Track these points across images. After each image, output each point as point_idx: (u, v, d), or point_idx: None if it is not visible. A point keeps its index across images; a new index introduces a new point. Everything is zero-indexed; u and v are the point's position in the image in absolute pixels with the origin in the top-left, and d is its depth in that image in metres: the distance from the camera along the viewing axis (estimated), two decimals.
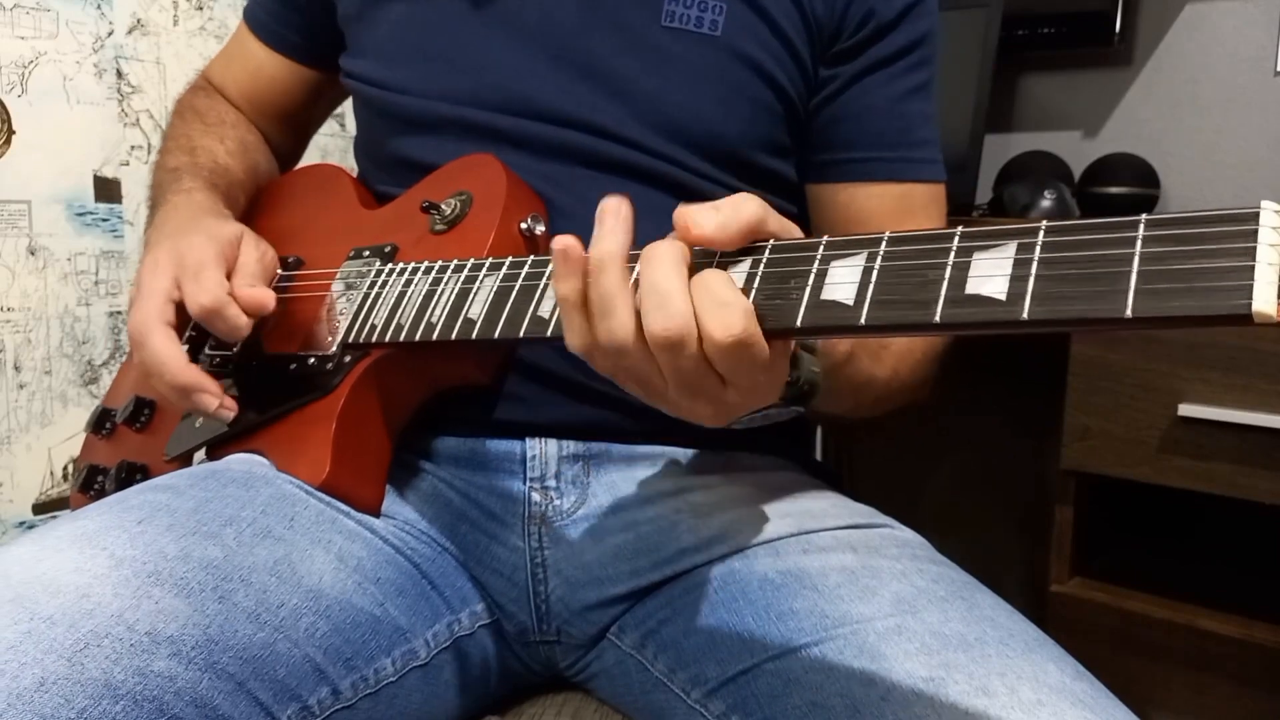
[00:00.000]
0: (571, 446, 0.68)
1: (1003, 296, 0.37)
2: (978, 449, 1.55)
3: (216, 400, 0.65)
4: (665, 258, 0.44)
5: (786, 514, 0.66)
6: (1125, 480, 1.02)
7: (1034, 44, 1.38)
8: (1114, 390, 1.01)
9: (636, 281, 0.45)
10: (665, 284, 0.43)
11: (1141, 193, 1.30)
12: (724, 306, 0.42)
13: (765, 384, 0.46)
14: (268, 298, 0.66)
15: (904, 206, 0.74)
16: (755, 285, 0.45)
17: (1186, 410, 0.96)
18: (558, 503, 0.67)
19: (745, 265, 0.46)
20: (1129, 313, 0.34)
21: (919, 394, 0.73)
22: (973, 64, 1.29)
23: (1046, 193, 1.21)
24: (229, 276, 0.66)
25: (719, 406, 0.47)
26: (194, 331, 0.69)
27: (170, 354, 0.64)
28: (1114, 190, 1.29)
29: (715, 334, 0.42)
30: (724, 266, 0.46)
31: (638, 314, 0.45)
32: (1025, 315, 0.37)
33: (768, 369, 0.45)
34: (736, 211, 0.46)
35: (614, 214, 0.47)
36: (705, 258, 0.47)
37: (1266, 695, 0.98)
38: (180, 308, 0.65)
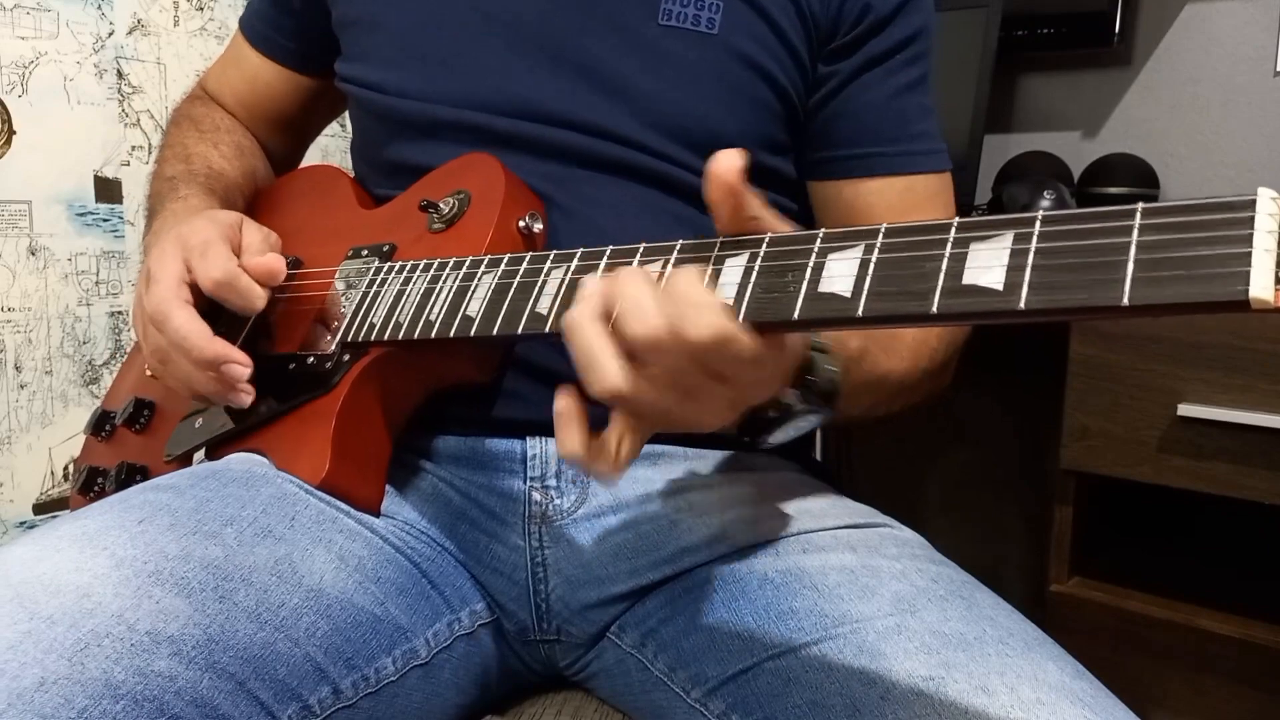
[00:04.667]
0: None
1: (1000, 286, 0.37)
2: (977, 449, 1.55)
3: (247, 369, 0.64)
4: (632, 271, 0.45)
5: (786, 513, 0.66)
6: (1125, 480, 1.02)
7: (1034, 44, 1.38)
8: (1114, 390, 1.01)
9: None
10: (635, 291, 0.44)
11: (1141, 193, 1.30)
12: (695, 307, 0.43)
13: (763, 378, 0.46)
14: (278, 264, 0.67)
15: (908, 199, 0.74)
16: (753, 279, 0.45)
17: (1186, 410, 0.96)
18: (558, 502, 0.67)
19: (743, 259, 0.46)
20: (1126, 301, 0.34)
21: (940, 382, 0.73)
22: (972, 64, 1.29)
23: (1046, 193, 1.21)
24: (237, 254, 0.67)
25: (720, 406, 0.46)
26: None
27: (195, 329, 0.63)
28: (1113, 190, 1.29)
29: (692, 334, 0.42)
30: (721, 260, 0.46)
31: (625, 359, 0.45)
32: (1022, 305, 0.37)
33: (758, 363, 0.44)
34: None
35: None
36: (704, 251, 0.47)
37: (1266, 695, 0.98)
38: (191, 291, 0.65)
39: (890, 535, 0.65)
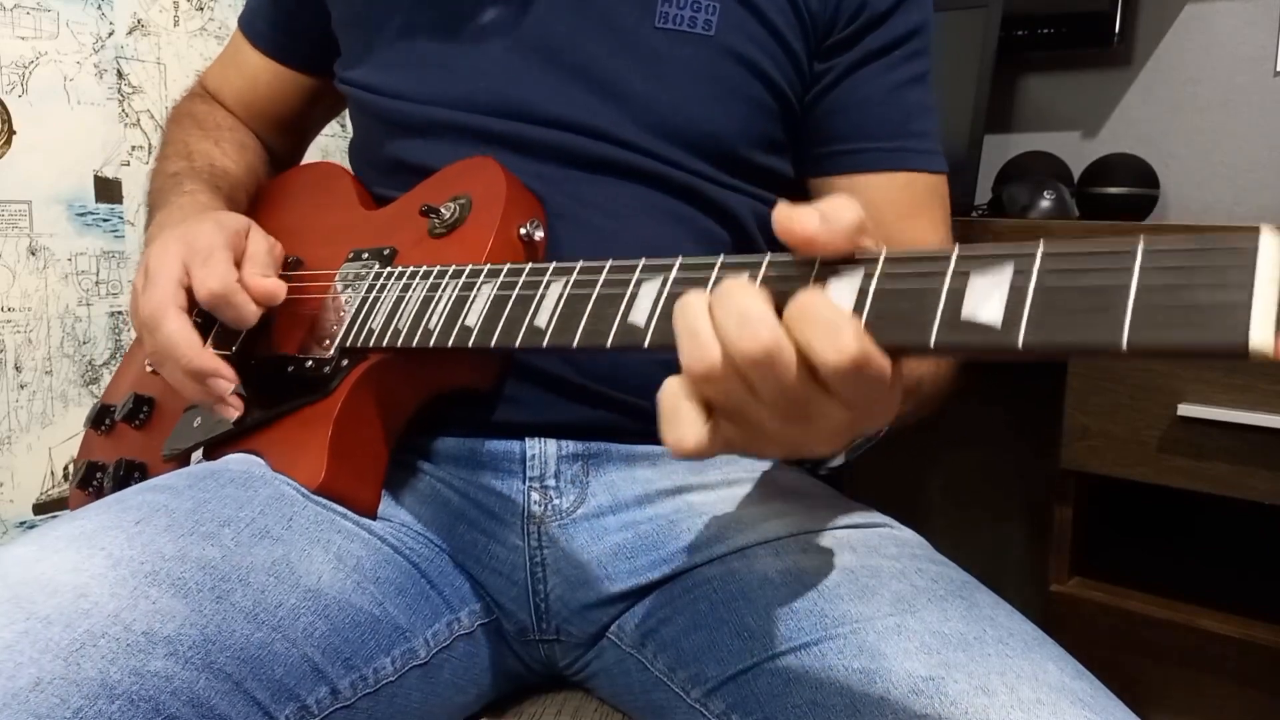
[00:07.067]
0: (571, 446, 0.68)
1: (998, 323, 0.37)
2: (977, 449, 1.55)
3: (231, 385, 0.64)
4: (736, 285, 0.41)
5: (786, 513, 0.66)
6: (1125, 480, 1.01)
7: (1034, 44, 1.38)
8: (1114, 390, 1.01)
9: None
10: (742, 302, 0.40)
11: (1141, 193, 1.30)
12: (832, 326, 0.38)
13: (888, 400, 0.43)
14: (279, 288, 0.66)
15: (907, 197, 0.73)
16: None
17: (1186, 410, 0.96)
18: (557, 502, 0.67)
19: (743, 278, 0.45)
20: (1124, 345, 0.34)
21: (949, 389, 0.73)
22: (972, 64, 1.29)
23: (1046, 193, 1.21)
24: (239, 265, 0.66)
25: (833, 431, 0.43)
26: (197, 319, 0.68)
27: (185, 338, 0.63)
28: (1113, 191, 1.29)
29: (829, 358, 0.38)
30: (721, 281, 0.45)
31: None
32: (1020, 343, 0.36)
33: (890, 385, 0.41)
34: (839, 214, 0.42)
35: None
36: (703, 271, 0.46)
37: (1266, 695, 0.98)
38: (188, 295, 0.65)
39: (890, 535, 0.65)
